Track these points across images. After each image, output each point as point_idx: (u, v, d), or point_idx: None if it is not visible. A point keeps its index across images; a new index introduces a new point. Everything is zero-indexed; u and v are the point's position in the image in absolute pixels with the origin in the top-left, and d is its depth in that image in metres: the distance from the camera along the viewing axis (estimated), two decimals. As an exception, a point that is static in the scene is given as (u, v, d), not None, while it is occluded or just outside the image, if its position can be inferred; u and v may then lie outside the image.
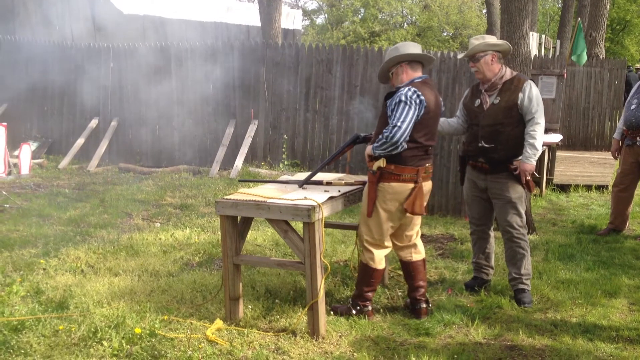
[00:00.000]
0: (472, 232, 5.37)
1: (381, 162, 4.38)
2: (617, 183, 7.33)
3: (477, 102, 5.03)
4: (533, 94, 4.84)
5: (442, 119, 5.21)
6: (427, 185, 4.62)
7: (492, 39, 5.04)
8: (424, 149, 4.47)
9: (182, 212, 7.93)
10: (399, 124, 4.26)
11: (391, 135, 4.27)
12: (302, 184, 4.73)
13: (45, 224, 7.17)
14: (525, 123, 4.88)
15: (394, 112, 4.32)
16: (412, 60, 4.55)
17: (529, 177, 4.90)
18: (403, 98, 4.31)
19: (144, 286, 5.13)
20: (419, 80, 4.50)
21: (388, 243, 4.65)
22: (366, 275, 4.63)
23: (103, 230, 6.93)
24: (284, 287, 5.13)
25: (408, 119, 4.28)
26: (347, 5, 32.37)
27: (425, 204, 4.58)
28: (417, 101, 4.32)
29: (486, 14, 21.02)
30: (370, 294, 4.68)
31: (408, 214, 4.51)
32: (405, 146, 4.33)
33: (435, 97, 4.53)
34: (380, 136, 4.36)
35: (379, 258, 4.61)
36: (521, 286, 5.04)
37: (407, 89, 4.38)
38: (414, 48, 4.57)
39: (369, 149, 4.48)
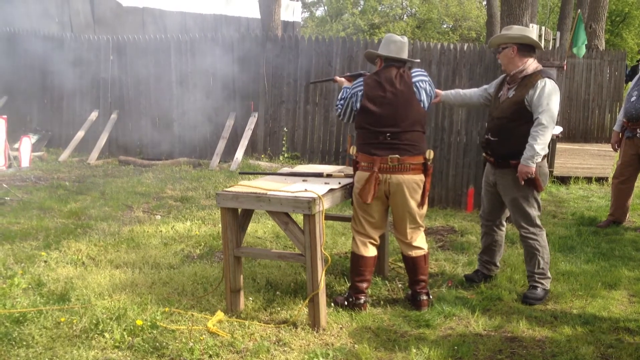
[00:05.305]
0: (482, 226, 5.31)
1: (351, 149, 4.63)
2: (617, 175, 7.33)
3: (500, 93, 4.92)
4: (544, 93, 4.58)
5: (463, 91, 5.30)
6: (396, 179, 4.44)
7: (515, 32, 4.81)
8: (374, 136, 4.45)
9: (182, 205, 7.93)
10: (338, 99, 4.76)
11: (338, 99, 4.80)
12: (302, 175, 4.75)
13: (46, 216, 7.18)
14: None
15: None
16: None
17: (531, 177, 4.62)
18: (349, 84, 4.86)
19: (145, 278, 5.14)
20: (378, 69, 4.68)
21: (372, 233, 4.63)
22: (354, 263, 4.66)
23: (104, 223, 6.93)
24: (285, 279, 5.14)
25: (341, 97, 4.70)
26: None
27: (402, 199, 4.47)
28: (356, 90, 4.59)
29: (486, 6, 20.97)
30: (362, 284, 4.62)
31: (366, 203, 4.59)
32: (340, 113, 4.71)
33: (382, 83, 4.51)
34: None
35: (363, 244, 4.62)
36: (532, 283, 4.95)
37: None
38: (400, 50, 4.59)
39: None
